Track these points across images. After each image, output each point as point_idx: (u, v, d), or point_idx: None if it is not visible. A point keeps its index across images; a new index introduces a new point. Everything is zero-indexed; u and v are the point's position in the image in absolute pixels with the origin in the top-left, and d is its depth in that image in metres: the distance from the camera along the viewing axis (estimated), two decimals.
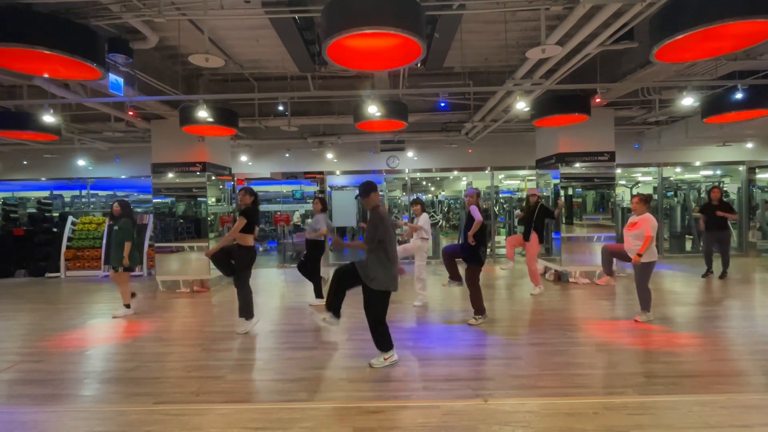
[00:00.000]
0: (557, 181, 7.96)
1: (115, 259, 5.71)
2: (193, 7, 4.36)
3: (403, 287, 7.40)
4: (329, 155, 10.43)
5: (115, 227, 5.75)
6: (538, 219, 6.52)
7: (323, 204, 6.36)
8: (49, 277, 9.35)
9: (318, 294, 6.26)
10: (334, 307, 3.89)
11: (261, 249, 13.04)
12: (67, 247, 9.55)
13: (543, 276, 8.12)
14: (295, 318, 5.62)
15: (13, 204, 11.67)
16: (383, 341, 3.84)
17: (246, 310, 4.95)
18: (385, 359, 3.83)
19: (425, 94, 7.63)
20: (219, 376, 3.71)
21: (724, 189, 11.29)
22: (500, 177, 13.67)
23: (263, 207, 15.06)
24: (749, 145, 10.09)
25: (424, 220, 5.99)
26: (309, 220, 6.49)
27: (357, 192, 11.91)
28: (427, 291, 6.21)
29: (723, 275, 7.48)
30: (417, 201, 6.19)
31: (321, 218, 6.20)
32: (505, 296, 6.59)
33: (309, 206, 14.47)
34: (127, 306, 5.87)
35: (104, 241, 9.54)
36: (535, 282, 6.59)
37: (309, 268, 6.24)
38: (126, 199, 6.90)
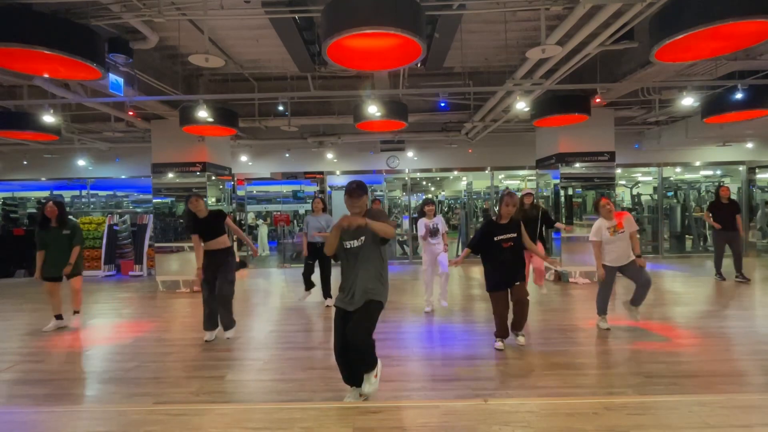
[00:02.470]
0: (557, 181, 7.96)
1: (75, 266, 5.20)
2: (193, 7, 4.36)
3: (402, 290, 7.40)
4: (329, 155, 10.43)
5: (65, 232, 5.14)
6: (541, 227, 6.07)
7: (324, 204, 6.27)
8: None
9: (329, 294, 6.16)
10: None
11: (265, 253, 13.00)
12: None
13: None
14: (295, 318, 5.62)
15: (13, 204, 11.66)
16: (374, 355, 3.06)
17: (231, 317, 4.66)
18: (375, 376, 3.06)
19: (425, 94, 7.63)
20: (219, 376, 3.71)
21: None
22: (500, 177, 13.67)
23: (264, 207, 15.05)
24: (749, 145, 10.09)
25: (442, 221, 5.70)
26: (311, 223, 6.10)
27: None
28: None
29: (741, 276, 7.08)
30: (431, 201, 5.71)
31: (329, 217, 6.14)
32: None
33: (308, 206, 14.46)
34: (77, 312, 5.39)
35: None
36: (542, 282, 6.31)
37: (323, 272, 6.09)
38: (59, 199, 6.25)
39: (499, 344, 4.24)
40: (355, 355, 2.99)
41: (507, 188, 4.23)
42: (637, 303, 4.74)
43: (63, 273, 5.15)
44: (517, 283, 4.14)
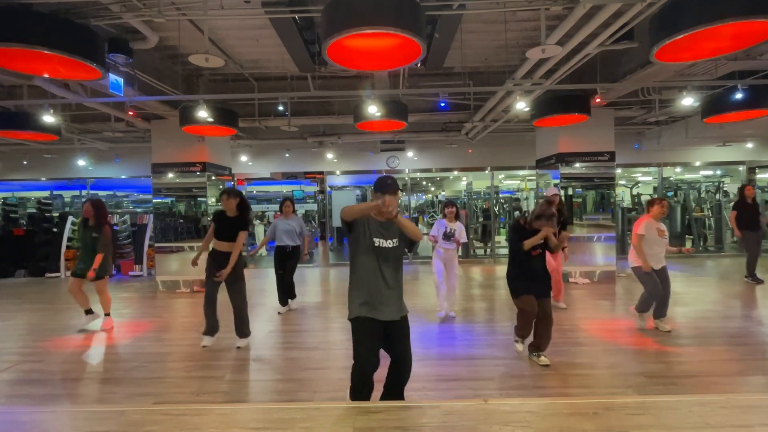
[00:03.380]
0: (557, 181, 7.96)
1: (100, 268, 5.11)
2: (193, 7, 4.36)
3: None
4: (329, 155, 10.43)
5: (94, 234, 5.07)
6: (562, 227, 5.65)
7: (294, 205, 6.01)
8: (49, 277, 9.34)
9: (293, 296, 5.98)
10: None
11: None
12: (67, 247, 9.54)
13: None
14: (295, 318, 5.62)
15: (13, 204, 11.66)
16: None
17: (246, 325, 4.51)
18: None
19: (425, 94, 7.63)
20: (219, 376, 3.71)
21: (724, 189, 11.31)
22: (500, 177, 13.67)
23: (263, 207, 15.04)
24: (749, 145, 10.09)
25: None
26: (279, 226, 5.81)
27: (358, 192, 11.67)
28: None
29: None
30: (453, 203, 5.41)
31: (300, 220, 5.92)
32: (505, 296, 6.58)
33: (308, 206, 14.44)
34: (108, 314, 5.38)
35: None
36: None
37: (290, 276, 5.86)
38: (98, 198, 5.99)
39: (520, 346, 4.02)
40: (406, 377, 2.88)
41: (544, 195, 3.72)
42: (663, 313, 4.70)
43: (87, 277, 5.09)
44: (546, 298, 3.83)
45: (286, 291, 5.90)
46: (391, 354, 2.83)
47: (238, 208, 4.36)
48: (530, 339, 3.97)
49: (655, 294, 4.59)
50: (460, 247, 5.50)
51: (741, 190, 7.22)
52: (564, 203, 5.90)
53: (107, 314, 5.38)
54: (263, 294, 7.23)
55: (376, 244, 2.72)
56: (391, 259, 2.78)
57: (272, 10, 4.40)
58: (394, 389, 2.91)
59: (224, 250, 4.32)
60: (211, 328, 4.45)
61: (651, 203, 4.66)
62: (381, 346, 2.79)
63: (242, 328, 4.46)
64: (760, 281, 6.92)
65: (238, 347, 4.41)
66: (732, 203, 7.43)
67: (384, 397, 2.98)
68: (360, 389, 2.81)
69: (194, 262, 4.47)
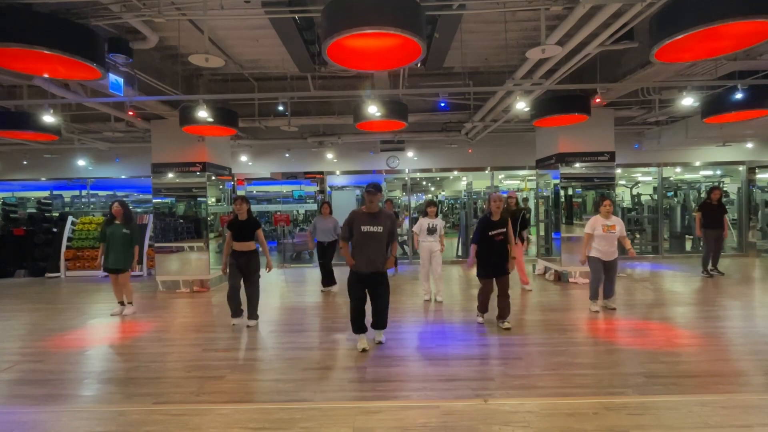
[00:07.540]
0: (557, 181, 7.96)
1: (125, 262, 5.82)
2: (193, 7, 4.36)
3: (402, 290, 7.40)
4: (329, 155, 10.43)
5: (125, 230, 5.77)
6: (521, 226, 6.71)
7: (331, 208, 7.26)
8: (49, 277, 9.35)
9: (334, 282, 7.19)
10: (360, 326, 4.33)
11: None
12: (67, 247, 9.55)
13: (543, 276, 8.14)
14: (295, 318, 5.63)
15: (13, 204, 11.65)
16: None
17: (256, 309, 5.32)
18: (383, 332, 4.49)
19: (425, 94, 7.63)
20: (219, 376, 3.71)
21: (724, 189, 11.28)
22: (500, 177, 13.67)
23: (263, 207, 15.05)
24: (749, 145, 10.09)
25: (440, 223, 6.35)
26: (318, 225, 7.16)
27: (358, 192, 11.89)
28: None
29: (716, 271, 7.79)
30: (434, 203, 6.41)
31: (335, 220, 7.05)
32: None
33: (308, 206, 14.44)
34: (131, 303, 6.08)
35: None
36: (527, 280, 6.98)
37: (328, 263, 7.16)
38: (124, 199, 6.96)
39: (480, 318, 5.15)
40: (381, 314, 4.32)
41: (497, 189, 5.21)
42: (610, 294, 5.49)
43: (130, 268, 5.91)
44: (504, 276, 4.87)
45: (326, 275, 7.15)
46: (371, 294, 4.29)
47: (248, 212, 5.16)
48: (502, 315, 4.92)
49: (596, 279, 5.45)
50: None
51: (708, 192, 7.91)
52: (519, 203, 7.12)
53: (129, 302, 6.08)
54: (263, 294, 7.20)
55: (364, 230, 4.14)
56: (375, 239, 4.17)
57: (272, 10, 4.40)
58: (378, 317, 4.36)
59: (243, 250, 5.10)
60: (238, 311, 5.23)
61: (596, 204, 5.57)
62: (365, 289, 4.26)
63: (254, 312, 5.25)
64: (710, 276, 7.66)
65: (249, 326, 5.16)
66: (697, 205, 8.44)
67: (373, 324, 4.42)
68: (356, 316, 4.27)
69: (224, 270, 5.25)
